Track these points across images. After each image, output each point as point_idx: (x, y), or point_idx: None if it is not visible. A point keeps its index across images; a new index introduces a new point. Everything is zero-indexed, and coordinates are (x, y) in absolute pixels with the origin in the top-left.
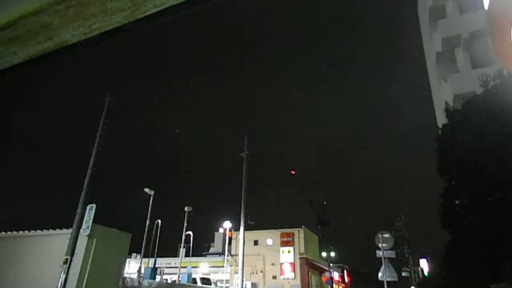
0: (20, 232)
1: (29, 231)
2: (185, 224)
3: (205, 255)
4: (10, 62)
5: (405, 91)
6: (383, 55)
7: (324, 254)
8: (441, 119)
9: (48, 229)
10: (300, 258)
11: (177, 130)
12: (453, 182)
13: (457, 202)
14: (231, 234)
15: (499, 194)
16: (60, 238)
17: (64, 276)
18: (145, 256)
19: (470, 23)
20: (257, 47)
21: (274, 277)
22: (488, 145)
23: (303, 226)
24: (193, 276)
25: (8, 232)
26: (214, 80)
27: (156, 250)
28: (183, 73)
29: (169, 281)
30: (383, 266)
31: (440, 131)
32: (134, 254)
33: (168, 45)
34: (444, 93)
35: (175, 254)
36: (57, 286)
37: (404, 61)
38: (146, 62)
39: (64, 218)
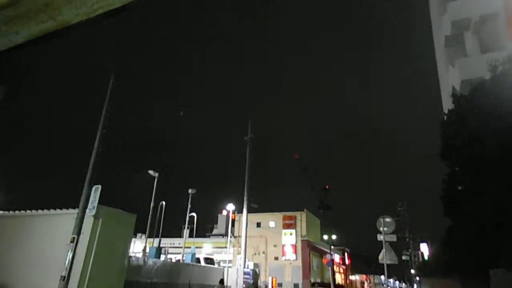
0: (28, 211)
1: (37, 210)
2: (189, 206)
3: (208, 236)
4: (13, 42)
5: (412, 76)
6: (391, 40)
7: (325, 237)
8: (447, 105)
9: (55, 209)
10: (302, 241)
11: (181, 113)
12: (456, 168)
13: (459, 188)
14: (234, 216)
15: (502, 181)
16: (67, 217)
17: (71, 254)
18: (150, 236)
19: (480, 6)
20: (267, 31)
21: (276, 258)
22: (494, 132)
23: (305, 210)
24: (197, 256)
25: (16, 212)
26: (221, 61)
27: (160, 231)
28: (189, 54)
29: (174, 260)
30: (383, 249)
31: (445, 117)
32: (139, 234)
33: (175, 25)
34: (451, 78)
35: (179, 235)
36: (64, 264)
37: (413, 46)
38: (151, 43)
39: (71, 199)
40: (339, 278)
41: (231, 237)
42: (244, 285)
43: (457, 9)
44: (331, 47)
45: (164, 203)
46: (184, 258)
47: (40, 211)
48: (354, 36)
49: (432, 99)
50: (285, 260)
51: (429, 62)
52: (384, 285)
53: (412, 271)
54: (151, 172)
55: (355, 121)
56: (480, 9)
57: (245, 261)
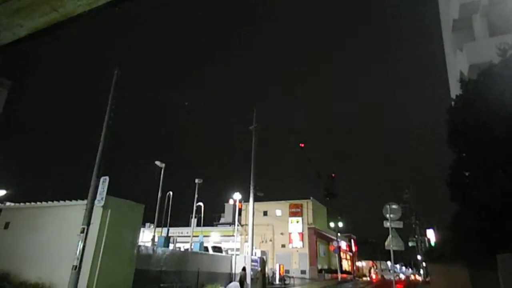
0: (38, 203)
1: (47, 202)
2: (196, 196)
3: (216, 225)
4: (16, 35)
5: (419, 63)
6: (396, 26)
7: (332, 224)
8: (455, 90)
9: (65, 200)
10: (309, 228)
11: (186, 103)
12: (463, 154)
13: (466, 174)
14: (241, 205)
15: (509, 167)
16: (76, 208)
17: (82, 245)
18: (158, 226)
19: None
20: (274, 19)
21: (283, 246)
22: (502, 117)
23: (311, 198)
24: (205, 244)
25: (27, 203)
26: (226, 52)
27: (168, 220)
28: (194, 43)
29: (182, 249)
30: (390, 235)
31: (453, 102)
32: (147, 224)
33: (178, 15)
34: (459, 63)
35: (187, 224)
36: (75, 253)
37: (420, 30)
38: (155, 33)
39: (80, 191)
40: (346, 265)
41: (238, 225)
42: (252, 273)
43: None
44: (328, 41)
45: (171, 193)
46: (192, 246)
47: (50, 203)
48: (354, 26)
49: (438, 85)
50: (292, 247)
51: (436, 47)
52: (391, 271)
53: (419, 257)
54: (158, 162)
55: (360, 107)
56: None
57: (252, 249)
